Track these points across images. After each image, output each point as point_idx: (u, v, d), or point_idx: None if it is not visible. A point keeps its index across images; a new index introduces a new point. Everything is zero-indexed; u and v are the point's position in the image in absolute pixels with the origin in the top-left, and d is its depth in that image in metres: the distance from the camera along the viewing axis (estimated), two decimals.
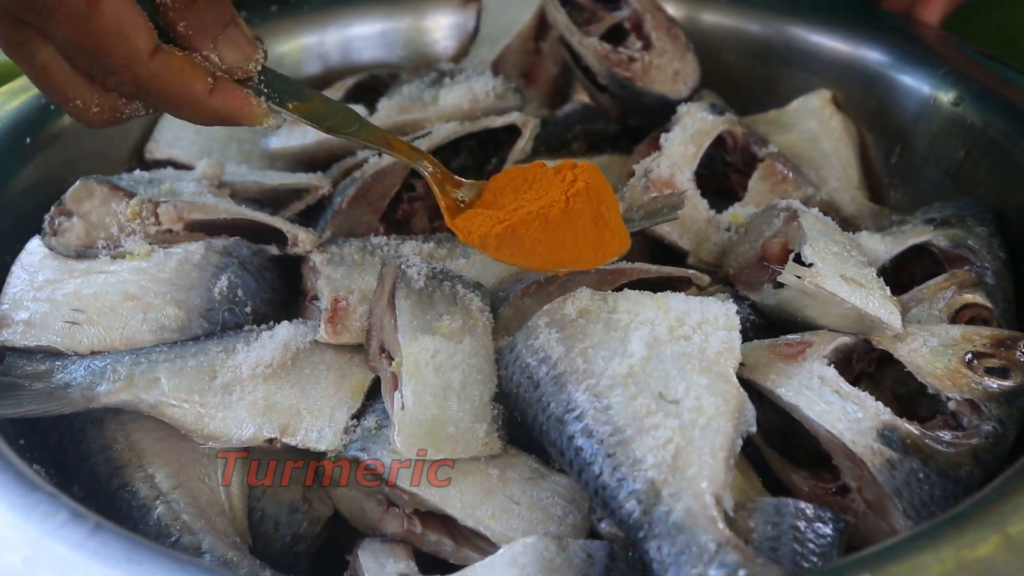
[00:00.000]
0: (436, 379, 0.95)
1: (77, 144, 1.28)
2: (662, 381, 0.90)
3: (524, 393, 0.95)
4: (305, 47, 1.50)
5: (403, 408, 0.93)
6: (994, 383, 0.96)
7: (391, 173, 1.24)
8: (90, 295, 1.09)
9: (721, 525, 0.81)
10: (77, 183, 1.13)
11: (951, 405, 0.96)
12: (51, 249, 1.12)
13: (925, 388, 0.97)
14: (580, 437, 0.89)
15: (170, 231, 1.14)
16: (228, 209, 1.16)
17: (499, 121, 1.28)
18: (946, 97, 1.28)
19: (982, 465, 0.92)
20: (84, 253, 1.12)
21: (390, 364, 1.00)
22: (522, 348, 0.98)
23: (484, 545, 0.94)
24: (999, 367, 0.97)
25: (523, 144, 1.28)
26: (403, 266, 1.04)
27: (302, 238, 1.17)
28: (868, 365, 1.02)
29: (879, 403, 0.94)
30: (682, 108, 1.31)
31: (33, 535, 0.78)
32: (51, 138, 1.25)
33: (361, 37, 1.54)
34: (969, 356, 0.98)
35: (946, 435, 0.93)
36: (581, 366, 0.93)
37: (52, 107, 1.26)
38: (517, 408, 0.97)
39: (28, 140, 1.23)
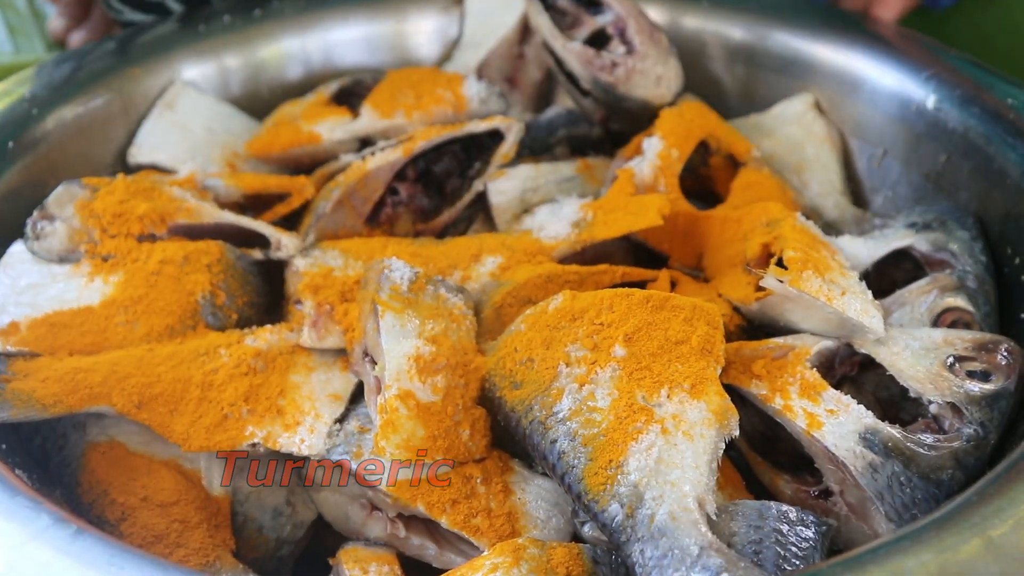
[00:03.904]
0: (419, 383, 0.95)
1: (60, 148, 1.28)
2: (645, 384, 0.90)
3: (507, 397, 0.95)
4: (287, 51, 1.50)
5: (386, 412, 0.93)
6: (976, 386, 0.96)
7: (375, 177, 1.24)
8: (72, 299, 1.08)
9: (704, 528, 0.81)
10: (60, 187, 1.13)
11: (933, 408, 0.96)
12: (33, 254, 1.11)
13: (907, 392, 0.98)
14: (563, 440, 0.89)
15: (152, 235, 1.13)
16: (211, 213, 1.16)
17: (482, 126, 1.28)
18: (927, 102, 1.28)
19: (964, 468, 0.93)
20: (67, 258, 1.11)
21: (373, 368, 1.00)
22: (505, 352, 0.98)
23: (467, 549, 0.94)
24: (981, 370, 0.97)
25: (506, 149, 1.27)
26: (386, 270, 1.04)
27: (285, 242, 1.17)
28: (850, 369, 1.03)
29: (861, 406, 0.95)
30: (665, 112, 1.31)
31: (14, 540, 0.78)
32: (34, 142, 1.25)
33: (343, 41, 1.54)
34: (951, 360, 0.98)
35: (928, 438, 0.94)
36: (563, 369, 0.93)
37: (34, 111, 1.26)
38: (500, 412, 0.97)
39: (10, 144, 1.23)
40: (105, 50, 1.41)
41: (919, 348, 1.00)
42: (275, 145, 1.35)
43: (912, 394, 0.98)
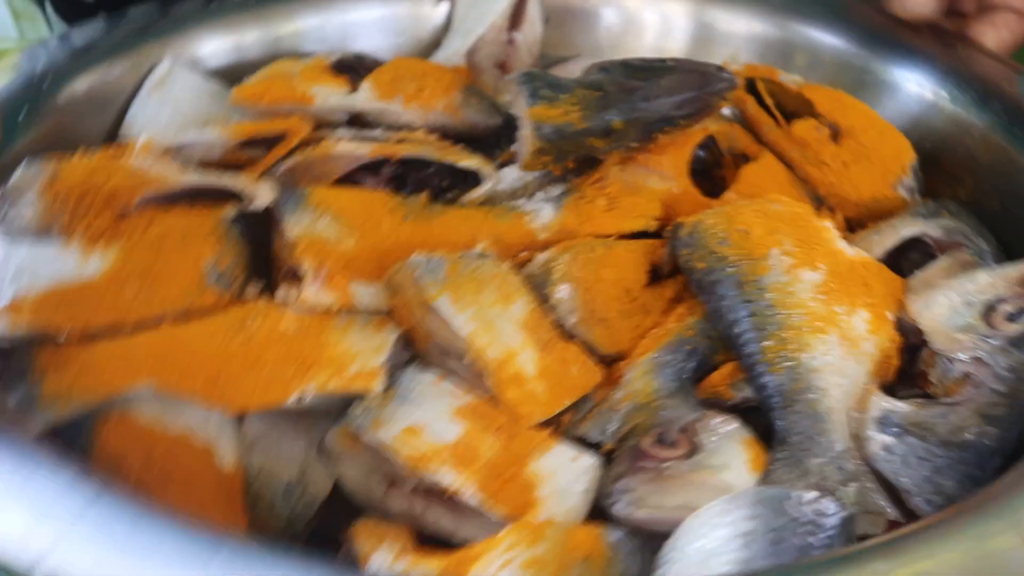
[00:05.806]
0: (520, 339, 0.99)
1: (73, 120, 1.27)
2: (838, 298, 0.99)
3: (715, 249, 1.03)
4: (304, 29, 1.50)
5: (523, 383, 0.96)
6: (1006, 332, 0.97)
7: (334, 161, 1.23)
8: (73, 274, 1.05)
9: (848, 436, 0.90)
10: (19, 169, 1.10)
11: (959, 367, 0.97)
12: (9, 237, 1.07)
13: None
14: (758, 303, 0.98)
15: (124, 215, 1.10)
16: (176, 177, 1.14)
17: (462, 163, 1.25)
18: (946, 95, 1.29)
19: (994, 422, 0.93)
20: (42, 238, 1.08)
21: (460, 360, 1.00)
22: (721, 217, 1.06)
23: (486, 525, 0.93)
24: (1017, 309, 0.98)
25: (477, 195, 1.25)
26: (417, 271, 1.02)
27: (260, 191, 1.14)
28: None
29: (879, 391, 0.96)
30: None
31: (32, 503, 0.77)
32: (46, 114, 1.24)
33: (361, 22, 1.54)
34: (991, 304, 0.99)
35: (944, 401, 0.95)
36: (775, 252, 1.01)
37: (46, 83, 1.26)
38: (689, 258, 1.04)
39: (22, 116, 1.22)
40: (120, 24, 1.41)
41: (960, 303, 1.01)
42: (266, 96, 1.31)
43: (941, 356, 0.99)
